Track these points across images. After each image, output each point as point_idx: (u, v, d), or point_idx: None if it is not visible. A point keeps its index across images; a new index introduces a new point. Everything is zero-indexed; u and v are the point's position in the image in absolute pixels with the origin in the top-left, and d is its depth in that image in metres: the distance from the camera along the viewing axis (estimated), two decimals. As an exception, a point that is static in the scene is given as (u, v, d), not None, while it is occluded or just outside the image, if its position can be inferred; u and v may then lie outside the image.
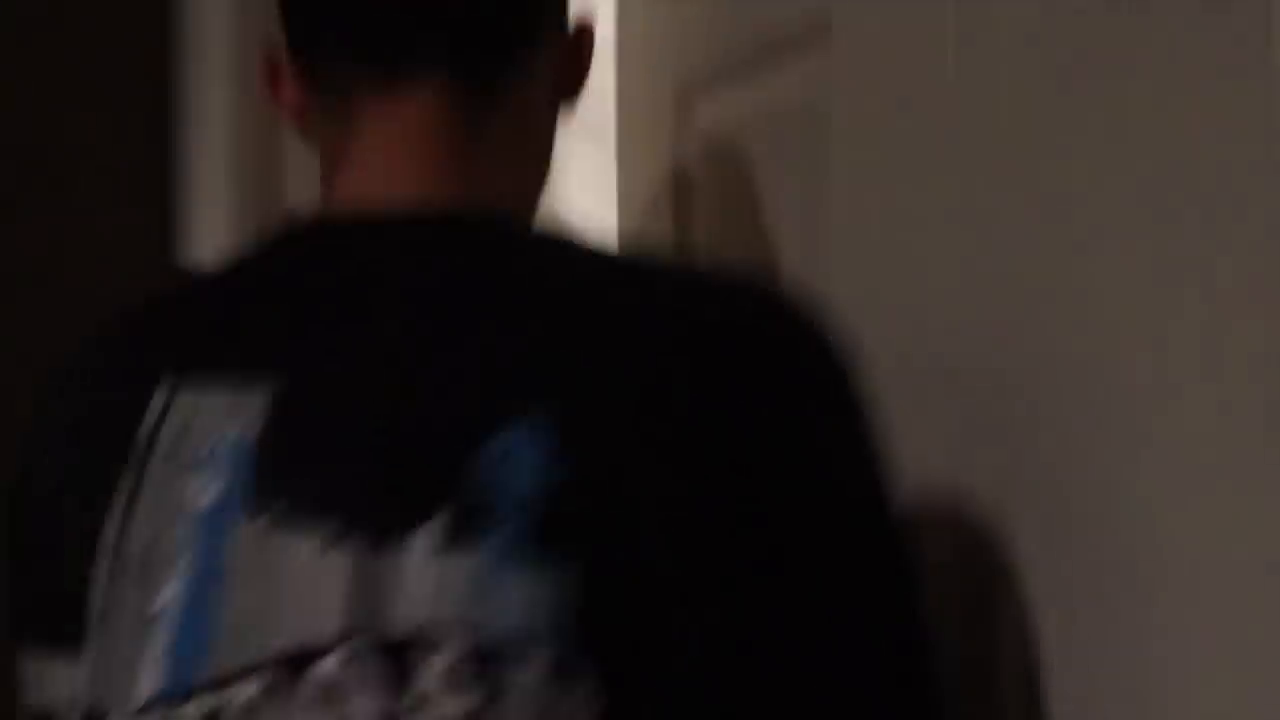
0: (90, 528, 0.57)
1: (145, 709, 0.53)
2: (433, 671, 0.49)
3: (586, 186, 1.12)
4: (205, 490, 0.54)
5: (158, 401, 0.57)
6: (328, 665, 0.50)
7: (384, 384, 0.54)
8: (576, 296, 0.56)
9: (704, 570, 0.51)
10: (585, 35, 0.69)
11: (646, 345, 0.53)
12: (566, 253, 0.59)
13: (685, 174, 0.96)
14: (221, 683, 0.52)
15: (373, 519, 0.51)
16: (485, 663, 0.49)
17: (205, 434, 0.55)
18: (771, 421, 0.53)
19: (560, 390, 0.52)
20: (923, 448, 0.62)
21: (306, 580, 0.51)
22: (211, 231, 1.41)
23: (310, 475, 0.54)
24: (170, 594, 0.54)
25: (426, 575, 0.50)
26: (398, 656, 0.50)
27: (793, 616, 0.52)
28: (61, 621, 0.58)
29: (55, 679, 0.58)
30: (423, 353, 0.55)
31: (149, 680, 0.54)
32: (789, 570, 0.52)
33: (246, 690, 0.51)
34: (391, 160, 0.62)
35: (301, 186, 1.33)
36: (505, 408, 0.51)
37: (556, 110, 0.68)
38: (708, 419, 0.52)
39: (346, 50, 0.63)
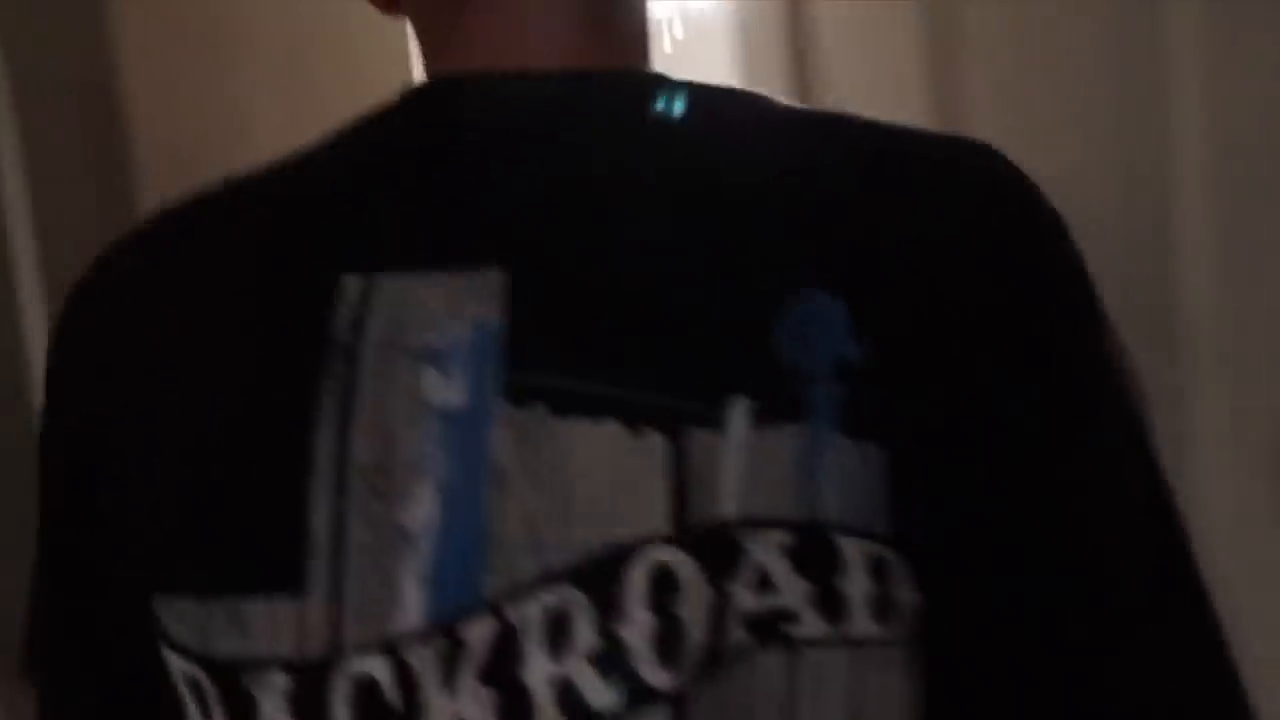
0: (288, 441, 0.48)
1: (420, 636, 0.46)
2: (766, 558, 0.44)
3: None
4: (447, 382, 0.47)
5: (351, 290, 0.49)
6: (650, 561, 0.44)
7: (641, 255, 0.48)
8: (821, 156, 0.50)
9: (1002, 450, 0.46)
10: None
11: (919, 208, 0.48)
12: (764, 107, 0.53)
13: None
14: (518, 594, 0.45)
15: (673, 401, 0.45)
16: (814, 549, 0.44)
17: (430, 321, 0.48)
18: (1046, 289, 0.48)
19: (843, 257, 0.46)
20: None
21: (608, 472, 0.45)
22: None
23: (582, 358, 0.46)
24: (426, 502, 0.46)
25: (742, 459, 0.44)
26: (728, 544, 0.44)
27: (1086, 504, 0.47)
28: (258, 555, 0.48)
29: (245, 624, 0.48)
30: (676, 220, 0.48)
31: (417, 603, 0.46)
32: (1080, 449, 0.47)
33: (552, 598, 0.44)
34: (518, 22, 0.54)
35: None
36: (791, 279, 0.46)
37: None
38: (991, 288, 0.47)
39: None
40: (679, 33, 3.10)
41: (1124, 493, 0.49)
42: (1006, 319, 0.47)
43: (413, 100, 0.55)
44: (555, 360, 0.47)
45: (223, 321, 0.52)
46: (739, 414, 0.44)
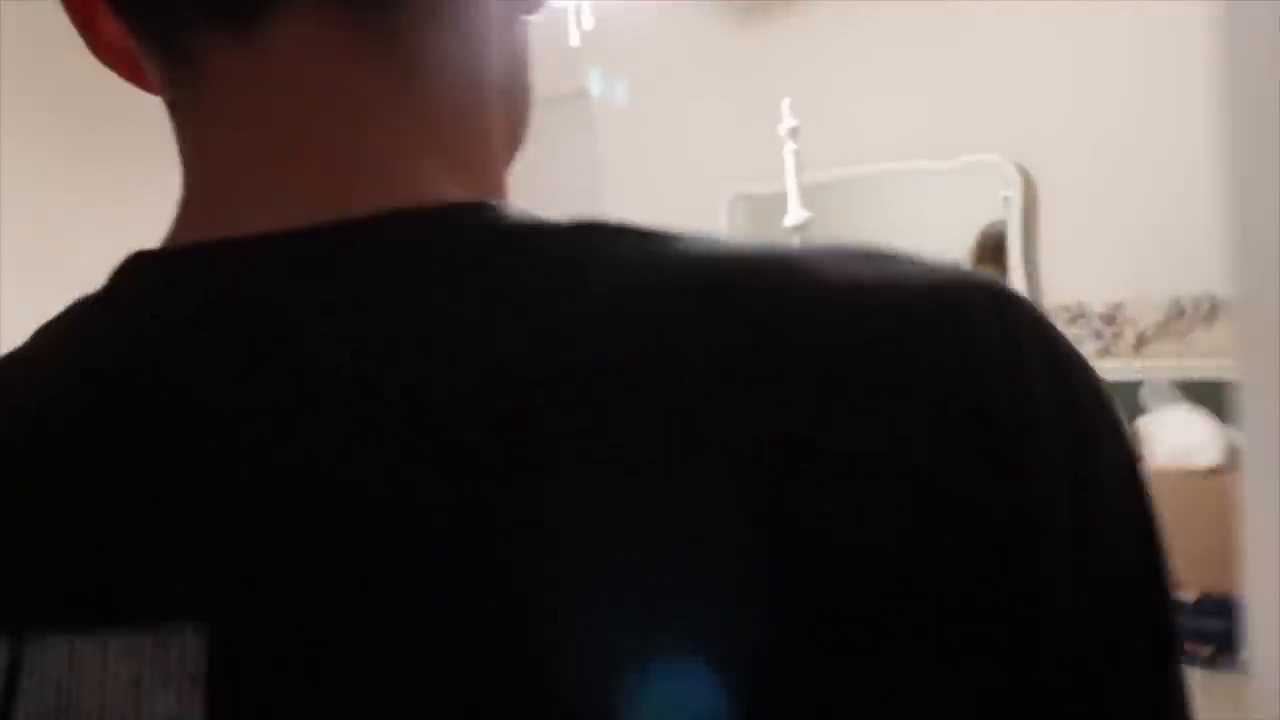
0: None
1: None
2: None
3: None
4: None
5: None
6: None
7: (402, 596, 0.31)
8: (699, 375, 0.32)
9: None
10: None
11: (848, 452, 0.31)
12: (621, 265, 0.35)
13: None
14: None
15: None
16: None
17: (100, 714, 0.32)
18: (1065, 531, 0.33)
19: (727, 596, 0.29)
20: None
21: None
22: None
23: None
24: None
25: None
26: None
27: None
28: None
29: None
30: (456, 538, 0.31)
31: None
32: None
33: None
34: (263, 148, 0.37)
35: None
36: (636, 651, 0.29)
37: (516, 32, 0.42)
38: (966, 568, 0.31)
39: None
40: (588, 23, 3.00)
41: None
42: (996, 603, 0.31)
43: (119, 301, 0.37)
44: None
45: None
46: None
